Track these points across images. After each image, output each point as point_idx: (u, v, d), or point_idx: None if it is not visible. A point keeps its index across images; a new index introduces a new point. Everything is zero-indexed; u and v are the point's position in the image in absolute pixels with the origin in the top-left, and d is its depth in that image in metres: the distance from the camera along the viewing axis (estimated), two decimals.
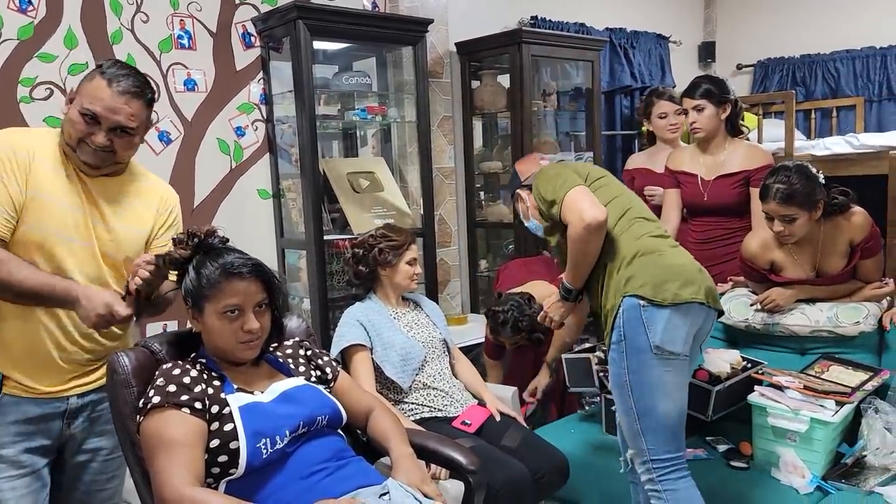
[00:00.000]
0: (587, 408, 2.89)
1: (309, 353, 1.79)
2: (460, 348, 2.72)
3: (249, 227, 3.27)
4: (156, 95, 1.81)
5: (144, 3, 2.95)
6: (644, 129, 4.23)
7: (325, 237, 3.21)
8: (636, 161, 3.70)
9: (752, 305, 2.62)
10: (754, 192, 2.72)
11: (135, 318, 1.75)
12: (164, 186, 1.96)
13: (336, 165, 3.43)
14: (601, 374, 2.39)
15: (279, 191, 3.37)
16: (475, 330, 3.58)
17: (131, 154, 1.80)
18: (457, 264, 4.03)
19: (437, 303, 3.01)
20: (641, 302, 1.86)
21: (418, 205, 3.63)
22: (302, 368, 1.73)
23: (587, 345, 2.69)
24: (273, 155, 3.35)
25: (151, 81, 1.84)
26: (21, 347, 1.67)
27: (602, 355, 2.40)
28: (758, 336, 2.64)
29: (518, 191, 2.29)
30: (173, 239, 1.66)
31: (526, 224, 2.28)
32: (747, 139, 3.12)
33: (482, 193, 4.22)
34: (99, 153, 1.68)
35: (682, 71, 5.15)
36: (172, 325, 3.04)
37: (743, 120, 2.98)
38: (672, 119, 3.31)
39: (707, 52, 5.50)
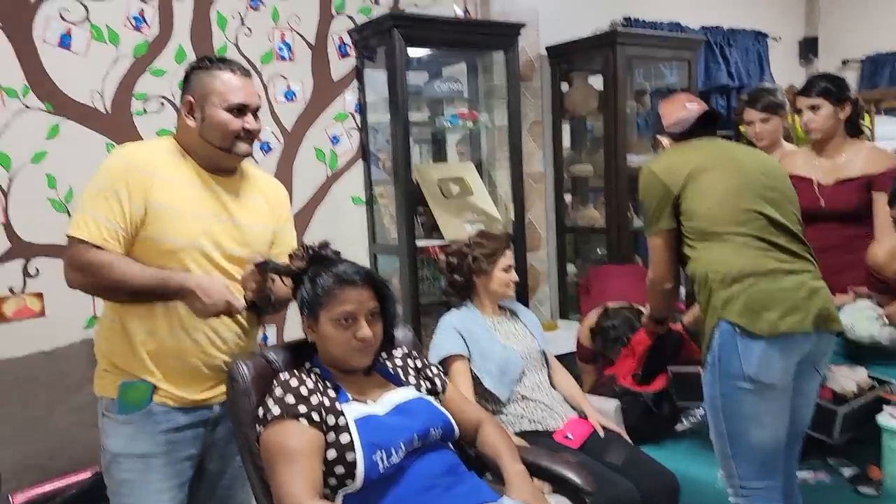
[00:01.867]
0: (683, 422, 2.80)
1: (418, 363, 1.80)
2: None
3: (343, 232, 3.33)
4: None
5: (248, 17, 3.05)
6: (743, 129, 4.07)
7: (417, 243, 3.23)
8: None
9: (877, 319, 2.45)
10: (878, 198, 2.54)
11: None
12: (273, 180, 2.00)
13: (426, 171, 3.46)
14: None
15: (372, 197, 3.42)
16: (565, 337, 3.52)
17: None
18: (545, 270, 3.99)
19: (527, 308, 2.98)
20: (737, 329, 1.78)
21: (507, 210, 3.61)
22: (412, 379, 1.75)
23: None
24: (366, 162, 3.41)
25: None
26: (172, 358, 1.72)
27: None
28: (885, 352, 2.48)
29: (658, 136, 2.22)
30: (290, 254, 1.70)
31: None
32: (868, 140, 2.94)
33: (571, 197, 4.17)
34: (253, 139, 1.77)
35: (781, 68, 4.94)
36: (270, 331, 3.14)
37: (863, 120, 2.81)
38: (757, 127, 3.11)
39: (809, 47, 5.25)
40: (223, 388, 1.77)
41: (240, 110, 1.72)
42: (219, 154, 1.75)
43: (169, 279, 1.65)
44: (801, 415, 1.96)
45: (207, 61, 1.77)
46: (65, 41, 2.66)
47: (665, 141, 2.19)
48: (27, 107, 2.60)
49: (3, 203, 2.57)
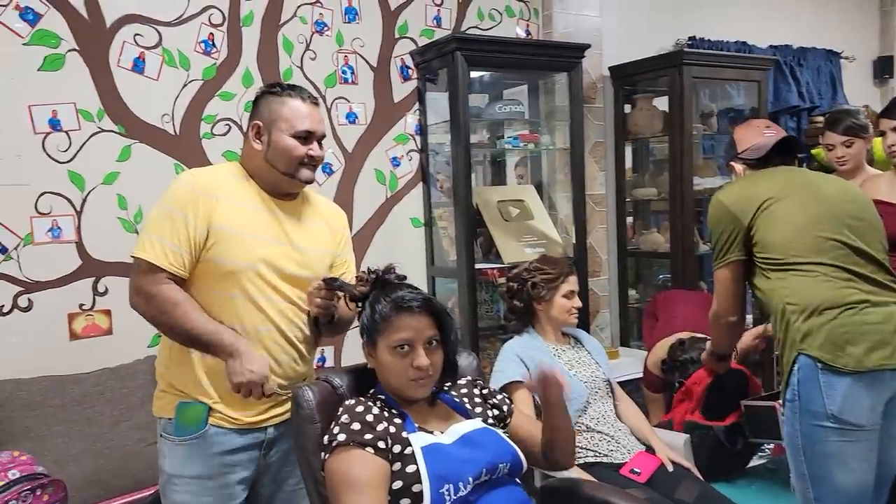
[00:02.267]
0: (758, 454, 2.67)
1: (484, 391, 1.76)
2: None
3: (402, 255, 3.31)
4: None
5: (313, 41, 3.09)
6: (815, 152, 3.92)
7: (476, 266, 3.20)
8: None
9: None
10: None
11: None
12: (332, 205, 2.03)
13: (486, 193, 3.43)
14: None
15: (431, 219, 3.41)
16: (627, 365, 3.43)
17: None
18: (606, 295, 3.90)
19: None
20: (819, 364, 1.69)
21: (568, 233, 3.55)
22: (479, 409, 1.70)
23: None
24: (426, 184, 3.40)
25: None
26: (225, 383, 1.72)
27: None
28: None
29: (732, 162, 2.15)
30: (357, 276, 1.69)
31: None
32: None
33: (633, 221, 4.08)
34: (316, 165, 1.80)
35: (855, 89, 4.76)
36: (328, 352, 3.14)
37: None
38: (839, 151, 2.96)
39: (884, 67, 5.05)
40: (278, 410, 1.79)
41: (306, 137, 1.75)
42: (282, 179, 1.77)
43: (223, 334, 1.67)
44: (891, 456, 1.82)
45: (278, 87, 1.80)
46: (138, 66, 2.74)
47: (739, 167, 2.13)
48: (101, 129, 2.68)
49: (76, 222, 2.64)
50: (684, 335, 2.66)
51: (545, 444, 1.68)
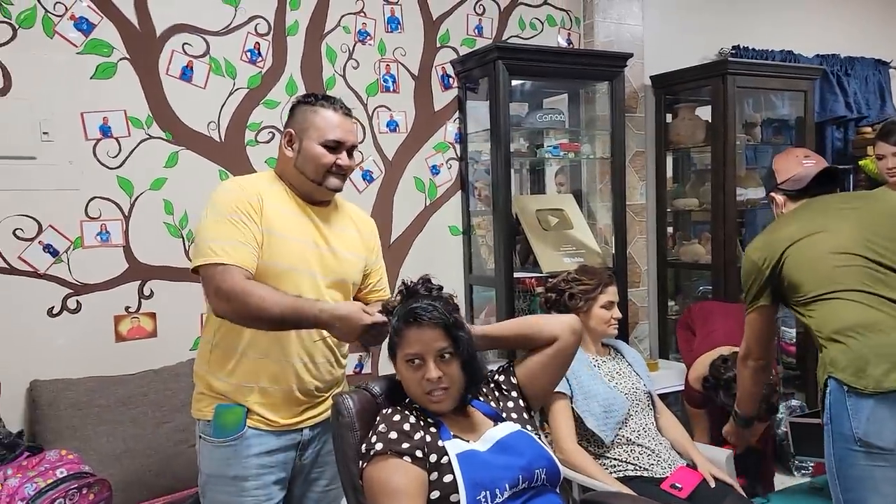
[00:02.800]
0: (796, 473, 2.61)
1: (499, 378, 1.76)
2: None
3: (440, 262, 3.32)
4: None
5: (356, 50, 3.12)
6: (863, 164, 3.83)
7: (514, 274, 3.19)
8: None
9: None
10: None
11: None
12: (362, 212, 2.05)
13: (524, 202, 3.42)
14: None
15: (469, 227, 3.41)
16: (667, 377, 3.38)
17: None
18: (646, 306, 3.86)
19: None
20: (845, 387, 1.69)
21: (608, 243, 3.52)
22: (511, 403, 1.70)
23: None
24: (464, 192, 3.41)
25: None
26: (267, 379, 1.76)
27: None
28: None
29: (772, 192, 2.16)
30: (399, 289, 1.69)
31: None
32: None
33: (674, 231, 4.03)
34: (345, 175, 1.83)
35: None
36: (366, 358, 3.16)
37: None
38: (890, 162, 2.87)
39: None
40: (313, 412, 1.82)
41: (335, 147, 1.78)
42: (311, 186, 1.81)
43: (302, 308, 1.64)
44: None
45: (313, 97, 1.83)
46: (186, 74, 2.80)
47: (779, 198, 2.13)
48: (150, 136, 2.74)
49: (124, 226, 2.71)
50: (725, 350, 2.61)
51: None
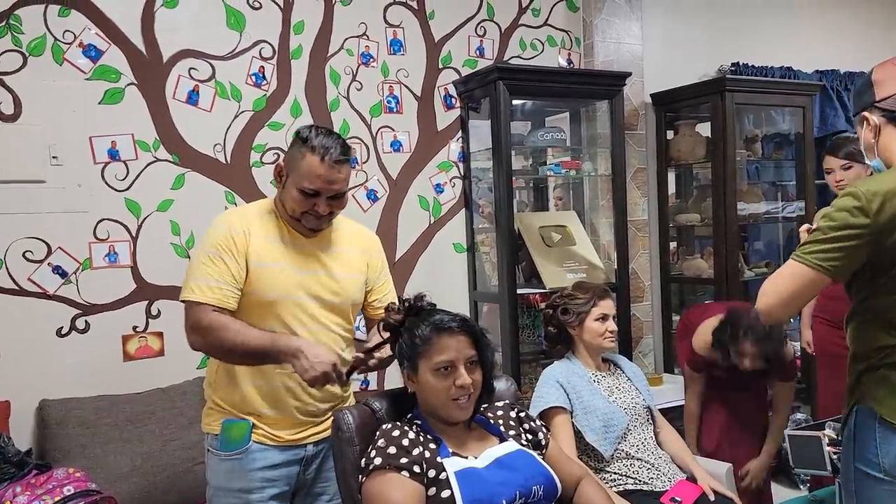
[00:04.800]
0: (802, 486, 2.61)
1: (521, 415, 1.78)
2: None
3: (445, 280, 3.36)
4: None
5: (359, 73, 3.18)
6: None
7: (517, 290, 3.22)
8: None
9: None
10: None
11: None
12: (365, 230, 2.07)
13: (528, 219, 3.45)
14: (834, 455, 2.15)
15: (473, 244, 3.45)
16: (671, 392, 3.40)
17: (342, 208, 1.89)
18: (650, 320, 3.87)
19: (630, 360, 2.89)
20: (877, 416, 1.58)
21: (611, 259, 3.55)
22: (513, 431, 1.72)
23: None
24: (468, 210, 3.45)
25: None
26: (269, 401, 1.81)
27: (833, 434, 2.16)
28: None
29: (865, 112, 1.64)
30: (386, 307, 1.74)
31: (868, 162, 1.69)
32: None
33: (676, 246, 4.05)
34: (323, 218, 1.82)
35: None
36: (371, 374, 3.18)
37: None
38: (838, 175, 2.92)
39: None
40: (317, 429, 1.86)
41: (312, 194, 1.77)
42: (292, 220, 1.84)
43: (278, 340, 1.71)
44: None
45: (310, 134, 1.78)
46: (192, 98, 2.86)
47: (875, 119, 1.62)
48: (157, 158, 2.80)
49: (132, 248, 2.76)
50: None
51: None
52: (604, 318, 2.39)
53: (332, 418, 1.80)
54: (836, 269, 1.52)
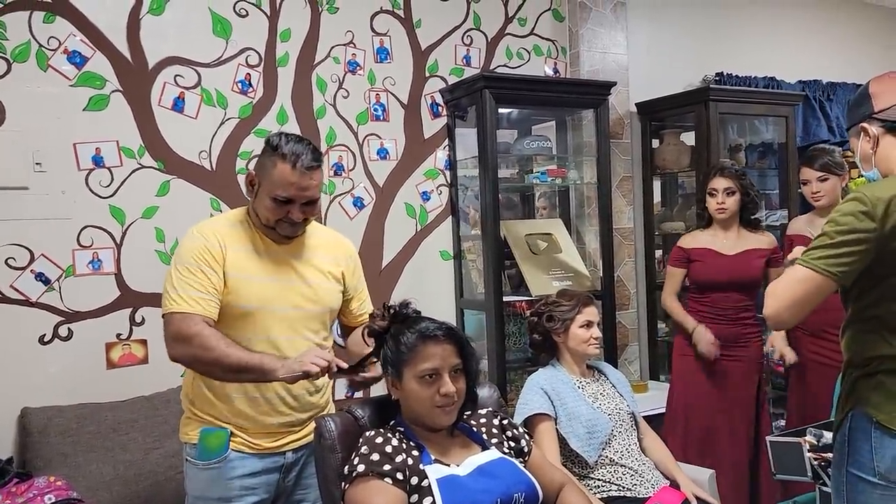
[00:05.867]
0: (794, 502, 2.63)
1: (504, 422, 1.78)
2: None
3: (431, 287, 3.36)
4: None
5: (346, 80, 3.19)
6: (851, 185, 3.90)
7: (504, 298, 3.22)
8: (796, 226, 3.23)
9: None
10: None
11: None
12: (340, 237, 2.06)
13: (514, 227, 3.46)
14: (814, 461, 2.16)
15: (460, 252, 3.45)
16: (657, 398, 3.42)
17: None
18: (635, 328, 3.90)
19: (615, 367, 2.90)
20: (874, 421, 1.59)
21: (596, 266, 3.57)
22: (495, 439, 1.72)
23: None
24: (455, 217, 3.46)
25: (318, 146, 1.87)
26: (245, 416, 1.81)
27: (814, 441, 2.18)
28: None
29: (863, 123, 1.65)
30: (371, 314, 1.75)
31: (865, 173, 1.70)
32: None
33: (662, 254, 4.08)
34: (298, 224, 1.82)
35: None
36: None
37: None
38: (814, 186, 2.97)
39: None
40: (296, 436, 1.86)
41: (286, 202, 1.77)
42: (266, 228, 1.84)
43: (264, 359, 1.70)
44: None
45: (279, 141, 1.77)
46: (178, 105, 2.86)
47: (874, 130, 1.64)
48: (142, 165, 2.79)
49: (116, 255, 2.75)
50: None
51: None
52: (588, 324, 2.41)
53: (312, 425, 1.80)
54: (843, 274, 1.54)
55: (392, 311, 1.71)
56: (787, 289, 1.58)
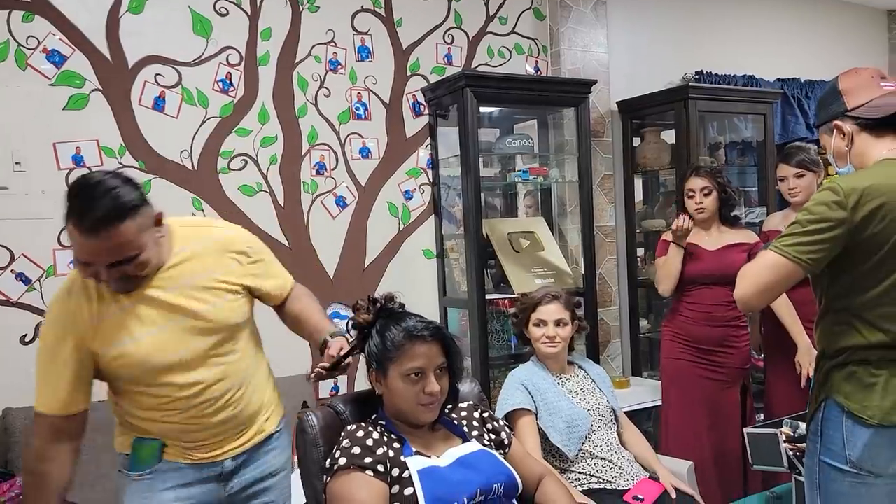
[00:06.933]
0: (772, 492, 2.67)
1: (485, 415, 1.80)
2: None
3: (414, 285, 3.38)
4: (134, 197, 1.48)
5: (327, 79, 3.20)
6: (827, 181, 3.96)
7: (486, 296, 3.24)
8: (772, 222, 3.28)
9: None
10: None
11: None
12: (221, 236, 1.74)
13: (497, 225, 3.49)
14: (790, 451, 2.20)
15: (443, 251, 3.47)
16: (639, 394, 3.45)
17: (151, 262, 1.55)
18: (617, 325, 3.93)
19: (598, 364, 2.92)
20: (845, 410, 1.63)
21: (578, 264, 3.60)
22: (476, 432, 1.74)
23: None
24: (437, 216, 3.47)
25: (130, 178, 1.54)
26: (173, 439, 1.69)
27: (790, 432, 2.22)
28: None
29: (836, 121, 1.68)
30: (354, 306, 1.73)
31: (839, 169, 1.73)
32: None
33: (644, 252, 4.11)
34: (119, 283, 1.54)
35: None
36: (341, 380, 3.18)
37: None
38: (791, 183, 3.01)
39: None
40: (234, 443, 1.72)
41: (87, 263, 1.49)
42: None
43: None
44: None
45: (72, 191, 1.45)
46: (158, 104, 2.85)
47: (848, 127, 1.66)
48: (123, 165, 2.78)
49: None
50: None
51: None
52: (541, 323, 2.42)
53: (251, 430, 1.72)
54: (813, 261, 1.59)
55: (378, 304, 1.71)
56: (758, 273, 1.63)
